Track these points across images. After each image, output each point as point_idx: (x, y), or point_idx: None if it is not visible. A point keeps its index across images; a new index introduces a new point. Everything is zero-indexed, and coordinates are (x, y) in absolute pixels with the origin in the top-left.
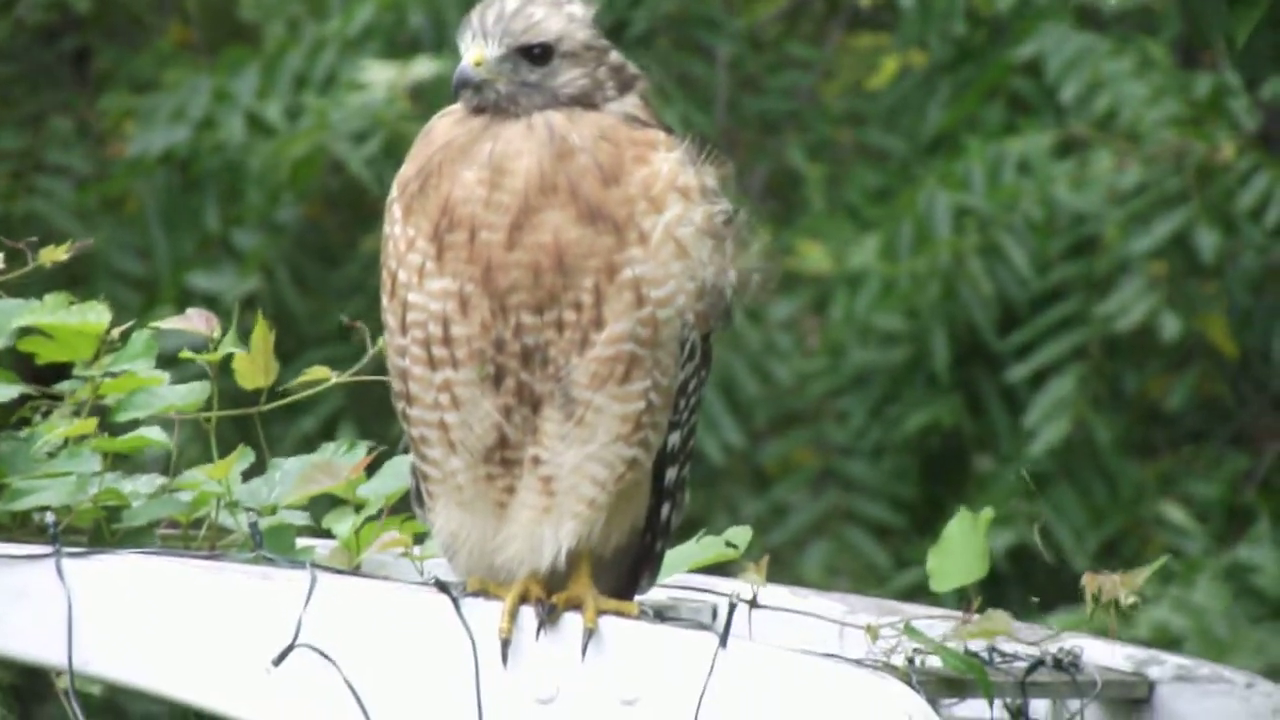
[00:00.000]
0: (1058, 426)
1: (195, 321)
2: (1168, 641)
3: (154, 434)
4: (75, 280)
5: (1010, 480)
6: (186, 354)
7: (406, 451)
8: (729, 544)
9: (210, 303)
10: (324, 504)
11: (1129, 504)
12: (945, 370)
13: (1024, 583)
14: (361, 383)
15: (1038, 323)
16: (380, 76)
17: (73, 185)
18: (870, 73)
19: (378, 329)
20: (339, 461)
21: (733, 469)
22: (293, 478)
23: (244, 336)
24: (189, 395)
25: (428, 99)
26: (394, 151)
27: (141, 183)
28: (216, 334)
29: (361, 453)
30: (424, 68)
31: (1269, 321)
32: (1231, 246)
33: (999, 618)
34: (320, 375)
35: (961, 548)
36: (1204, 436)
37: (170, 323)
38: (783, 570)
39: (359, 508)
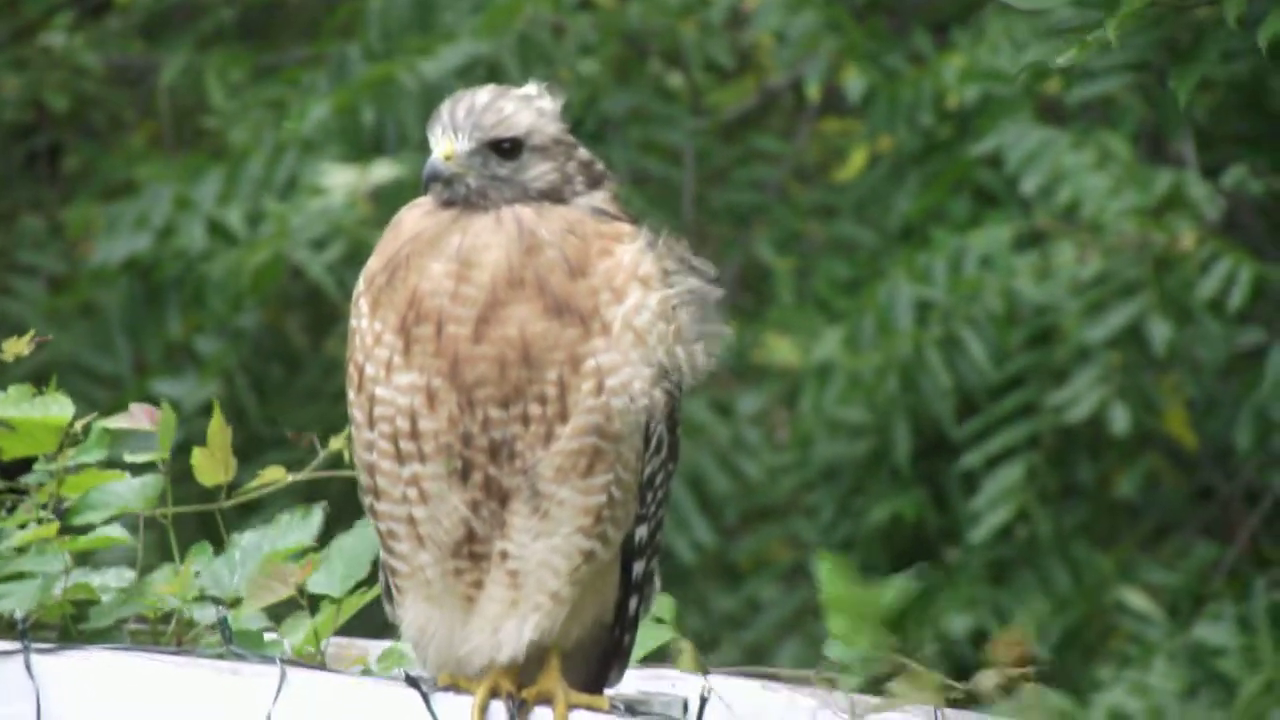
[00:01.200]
0: (1000, 514)
1: (139, 418)
2: None
3: (115, 532)
4: (44, 379)
5: (971, 569)
6: (131, 457)
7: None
8: (657, 619)
9: (173, 408)
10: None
11: (1091, 591)
12: (907, 462)
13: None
14: (318, 481)
15: (993, 411)
16: (339, 180)
17: (44, 285)
18: (838, 162)
19: (335, 432)
20: (286, 567)
21: (704, 565)
22: (252, 555)
23: (203, 441)
24: (144, 490)
25: (388, 201)
26: (354, 257)
27: (105, 290)
28: (161, 425)
29: (317, 519)
30: (383, 171)
31: (1231, 412)
32: (1189, 336)
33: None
34: (276, 475)
35: (844, 598)
36: (1170, 526)
37: (115, 420)
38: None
39: (313, 609)
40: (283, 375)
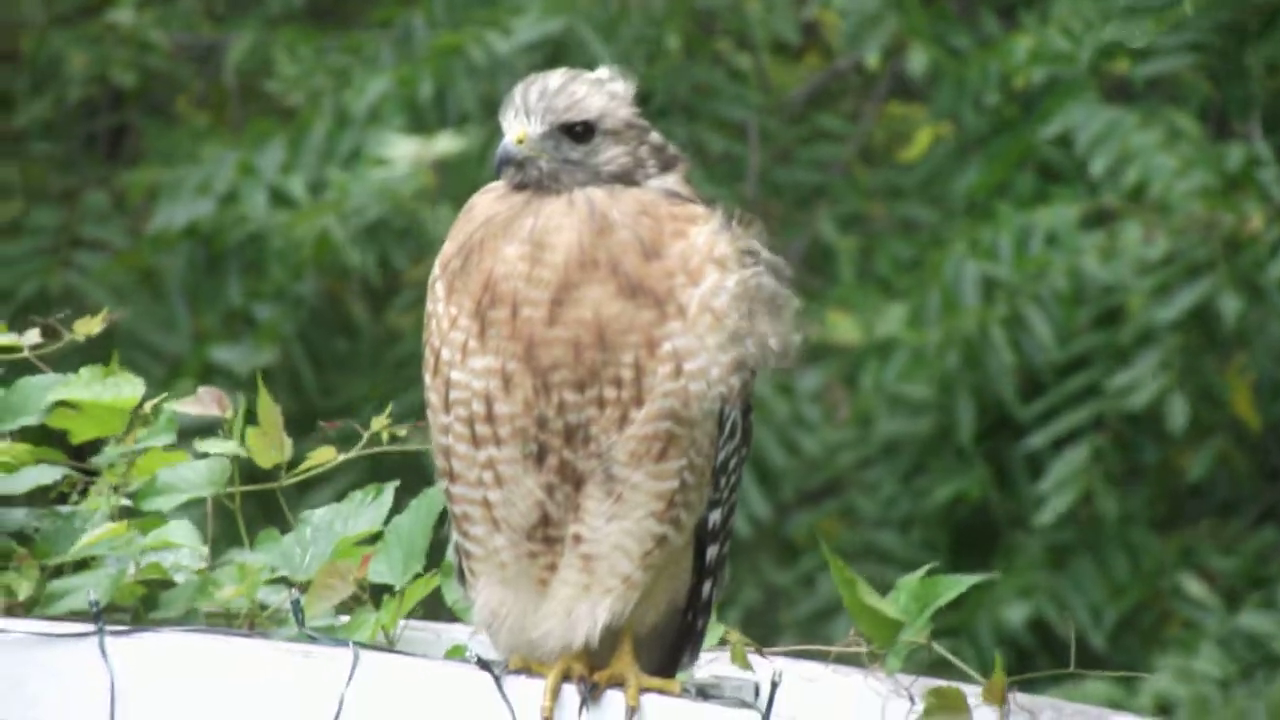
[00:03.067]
0: (1065, 497)
1: (207, 402)
2: (1164, 710)
3: (181, 533)
4: (100, 356)
5: (1030, 552)
6: (203, 446)
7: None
8: None
9: (229, 376)
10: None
11: (1149, 577)
12: (970, 441)
13: (1046, 654)
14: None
15: (1058, 392)
16: (402, 151)
17: (108, 260)
18: (903, 143)
19: (406, 404)
20: (345, 564)
21: (761, 541)
22: (323, 533)
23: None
24: (209, 474)
25: (452, 174)
26: (406, 232)
27: (165, 256)
28: (229, 413)
29: (388, 498)
30: (446, 143)
31: None
32: (1258, 317)
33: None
34: (326, 456)
35: (859, 606)
36: (1231, 510)
37: (183, 404)
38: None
39: (376, 600)
40: (341, 345)
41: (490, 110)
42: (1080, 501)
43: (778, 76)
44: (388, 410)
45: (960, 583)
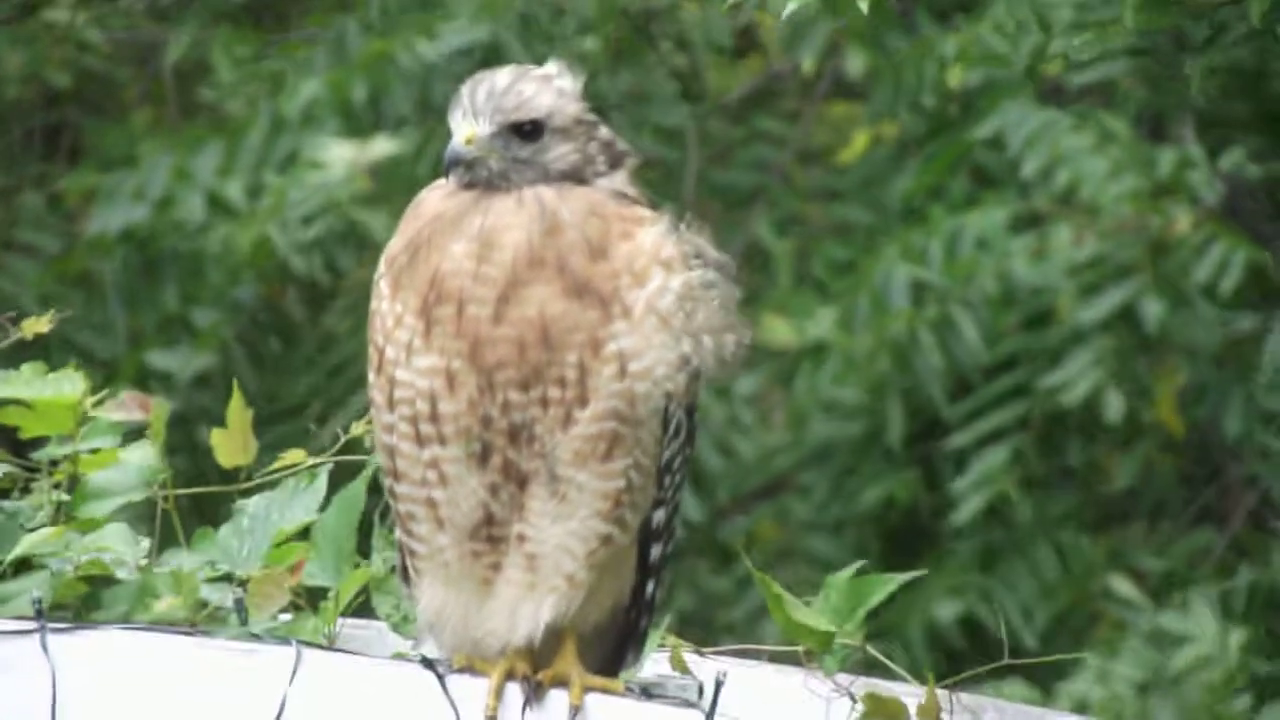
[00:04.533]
0: (981, 497)
1: (130, 407)
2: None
3: (118, 538)
4: (33, 357)
5: (961, 554)
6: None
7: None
8: None
9: (167, 380)
10: None
11: (1079, 578)
12: (900, 443)
13: (978, 654)
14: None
15: (984, 393)
16: (338, 155)
17: (42, 264)
18: (842, 144)
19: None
20: (278, 572)
21: (695, 545)
22: (260, 523)
23: (200, 415)
24: (141, 476)
25: (387, 177)
26: (347, 236)
27: (101, 262)
28: (153, 416)
29: (322, 485)
30: (382, 146)
31: (1221, 398)
32: (1182, 320)
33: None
34: (296, 458)
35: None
36: (1161, 512)
37: (106, 409)
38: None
39: (314, 603)
40: (280, 349)
41: (425, 114)
42: (1009, 502)
43: (717, 79)
44: (367, 418)
45: (889, 580)
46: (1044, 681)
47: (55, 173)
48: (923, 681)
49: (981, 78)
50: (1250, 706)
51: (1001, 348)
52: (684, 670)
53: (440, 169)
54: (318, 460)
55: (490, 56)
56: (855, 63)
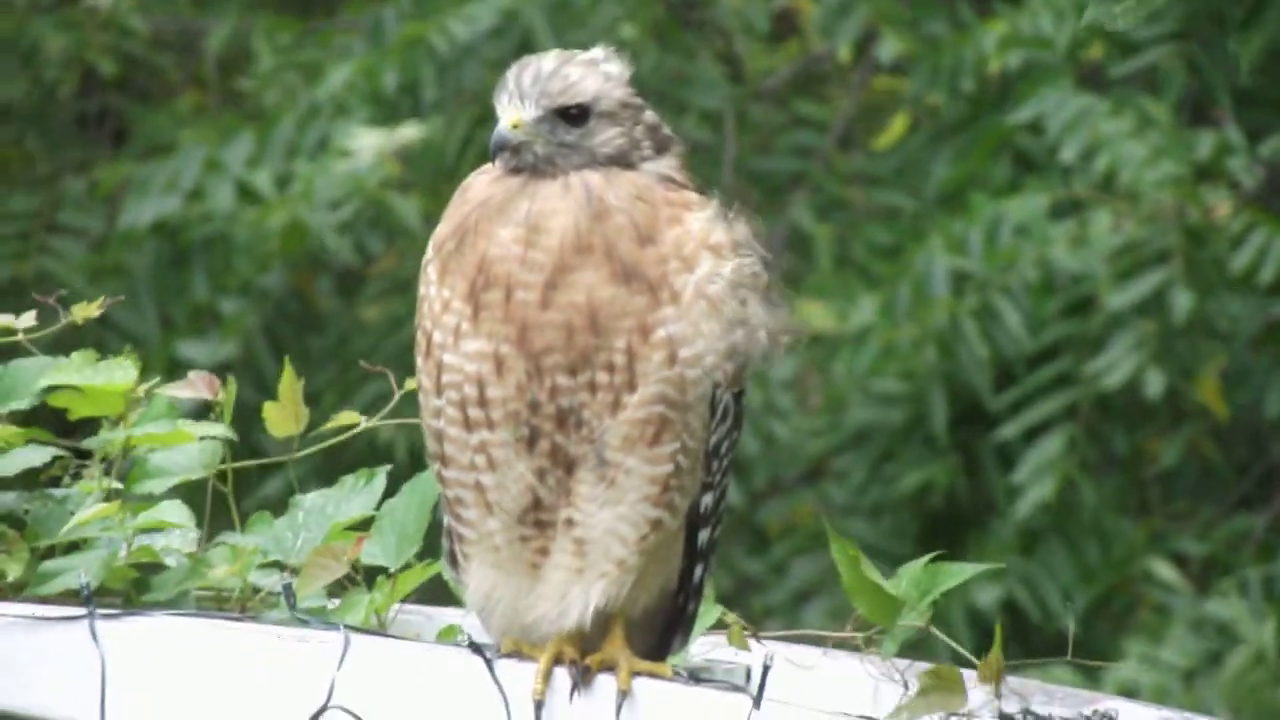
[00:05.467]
0: (1044, 486)
1: (198, 386)
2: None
3: (176, 512)
4: (71, 345)
5: (1002, 538)
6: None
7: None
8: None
9: (194, 369)
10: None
11: (1119, 562)
12: (943, 433)
13: (1016, 639)
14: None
15: (1030, 381)
16: (366, 143)
17: (86, 246)
18: (880, 128)
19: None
20: (338, 545)
21: (731, 528)
22: (315, 517)
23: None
24: (201, 456)
25: (417, 164)
26: (377, 221)
27: (133, 252)
28: (220, 396)
29: (380, 484)
30: (410, 132)
31: (1264, 381)
32: (1216, 307)
33: (948, 673)
34: (351, 419)
35: (861, 583)
36: (1203, 496)
37: (173, 388)
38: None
39: (369, 581)
40: (304, 338)
41: (457, 98)
42: (1071, 489)
43: (757, 63)
44: (407, 383)
45: (963, 570)
46: (1088, 666)
47: (99, 157)
48: (980, 661)
49: (1021, 62)
50: None
51: (1044, 335)
52: (742, 647)
53: (476, 153)
54: (371, 422)
55: (525, 40)
56: (890, 47)
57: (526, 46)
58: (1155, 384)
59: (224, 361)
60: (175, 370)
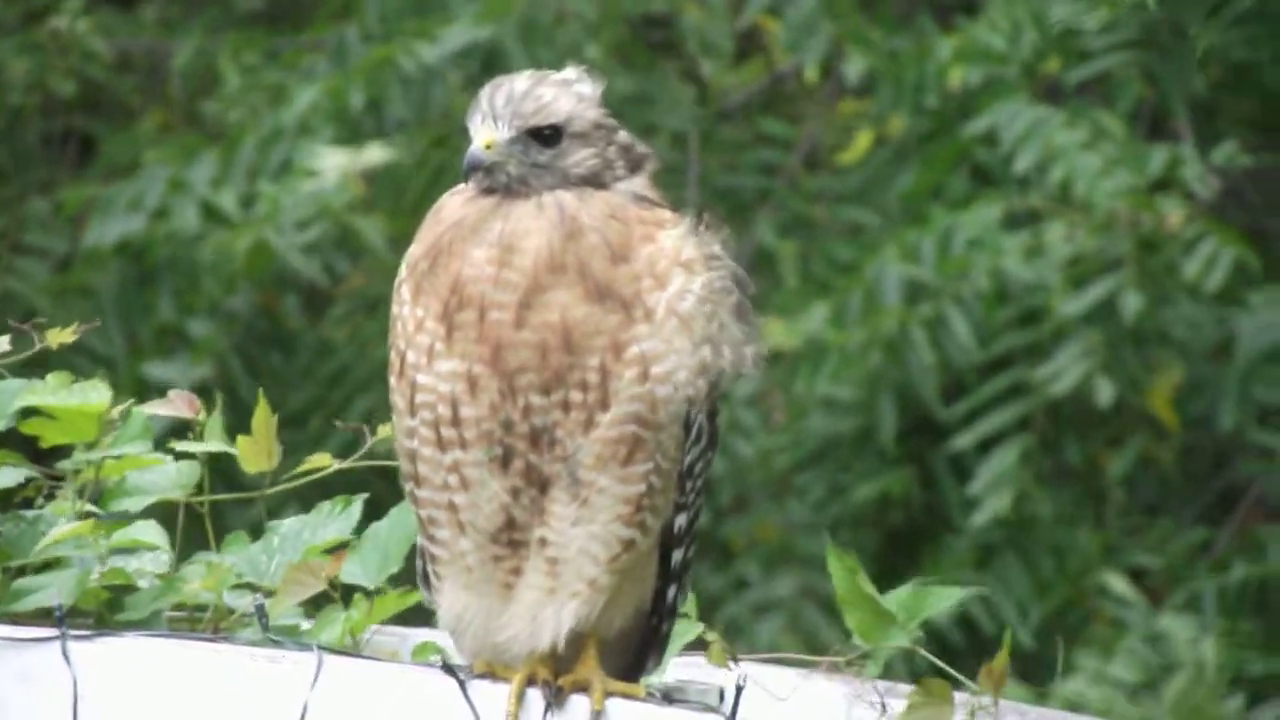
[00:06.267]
0: (1000, 498)
1: (178, 405)
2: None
3: (150, 532)
4: (37, 365)
5: (957, 551)
6: (175, 445)
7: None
8: (682, 614)
9: (164, 392)
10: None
11: (1074, 575)
12: (891, 441)
13: (973, 655)
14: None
15: (982, 392)
16: (331, 163)
17: (50, 267)
18: (846, 146)
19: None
20: (317, 562)
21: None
22: (291, 542)
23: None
24: (179, 477)
25: (382, 184)
26: (341, 241)
27: (98, 273)
28: (201, 416)
29: (356, 510)
30: (375, 153)
31: (1215, 392)
32: (1168, 317)
33: (937, 687)
34: (322, 462)
35: (856, 595)
36: (1162, 509)
37: (153, 406)
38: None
39: (346, 600)
40: (277, 358)
41: (423, 119)
42: (1027, 501)
43: (722, 80)
44: (381, 431)
45: (949, 594)
46: (1038, 680)
47: (63, 178)
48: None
49: (982, 77)
50: (1244, 705)
51: (995, 345)
52: (722, 665)
53: (439, 174)
54: (342, 464)
55: (491, 60)
56: (855, 65)
57: (492, 67)
58: (1105, 392)
59: (200, 383)
60: (144, 391)
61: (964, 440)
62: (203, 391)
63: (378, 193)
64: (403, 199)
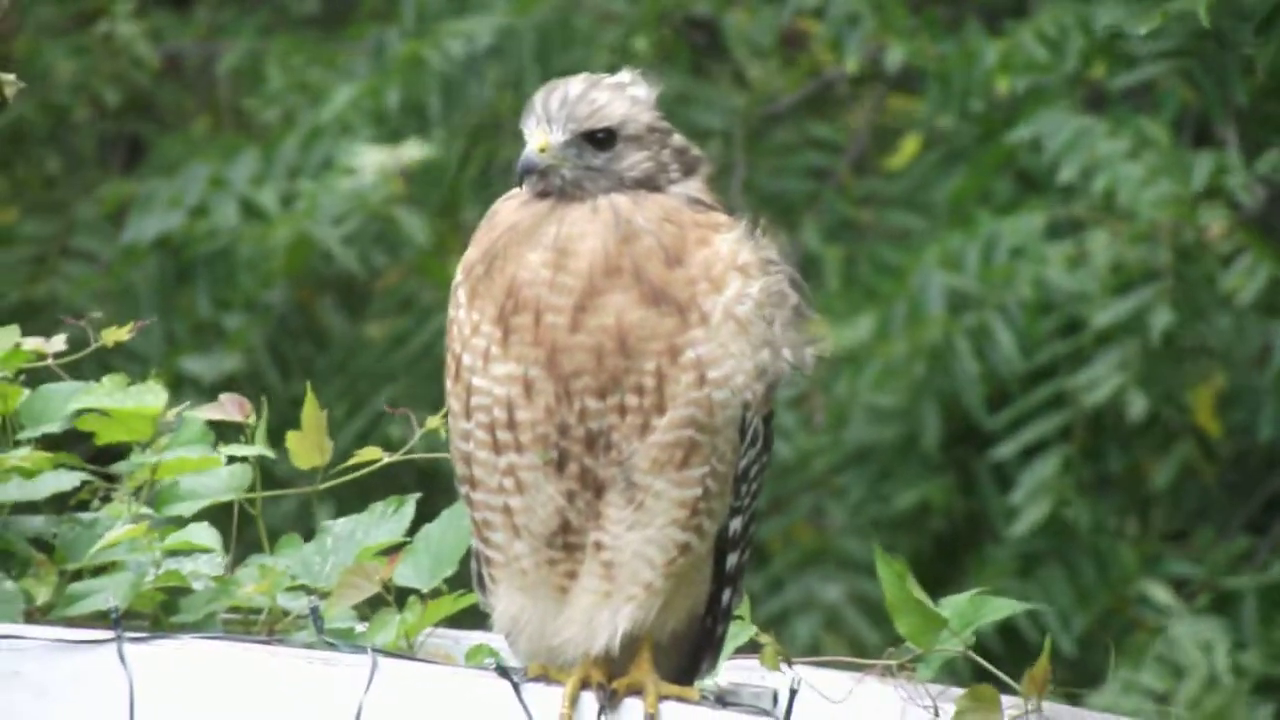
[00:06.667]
0: (1040, 507)
1: (229, 408)
2: None
3: (204, 534)
4: (78, 365)
5: (1000, 560)
6: (228, 450)
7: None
8: (736, 616)
9: (197, 386)
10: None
11: (1116, 584)
12: (935, 449)
13: (1014, 662)
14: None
15: (1025, 401)
16: (370, 160)
17: (98, 270)
18: (892, 150)
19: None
20: (371, 565)
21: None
22: (344, 543)
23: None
24: (231, 480)
25: (420, 181)
26: (381, 237)
27: (136, 269)
28: (250, 419)
29: (409, 511)
30: (412, 150)
31: (1256, 405)
32: (1209, 326)
33: (986, 692)
34: (373, 455)
35: (905, 600)
36: (1204, 518)
37: (204, 410)
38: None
39: (400, 602)
40: (308, 354)
41: (464, 117)
42: (1067, 510)
43: (768, 84)
44: (443, 414)
45: (1005, 605)
46: (1078, 689)
47: (113, 182)
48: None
49: (1030, 83)
50: (1273, 714)
51: (1038, 355)
52: (775, 668)
53: (491, 172)
54: (393, 457)
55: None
56: (895, 56)
57: (529, 65)
58: (1137, 405)
59: (228, 375)
60: (179, 386)
61: (1006, 449)
62: (230, 385)
63: (415, 190)
64: (440, 195)
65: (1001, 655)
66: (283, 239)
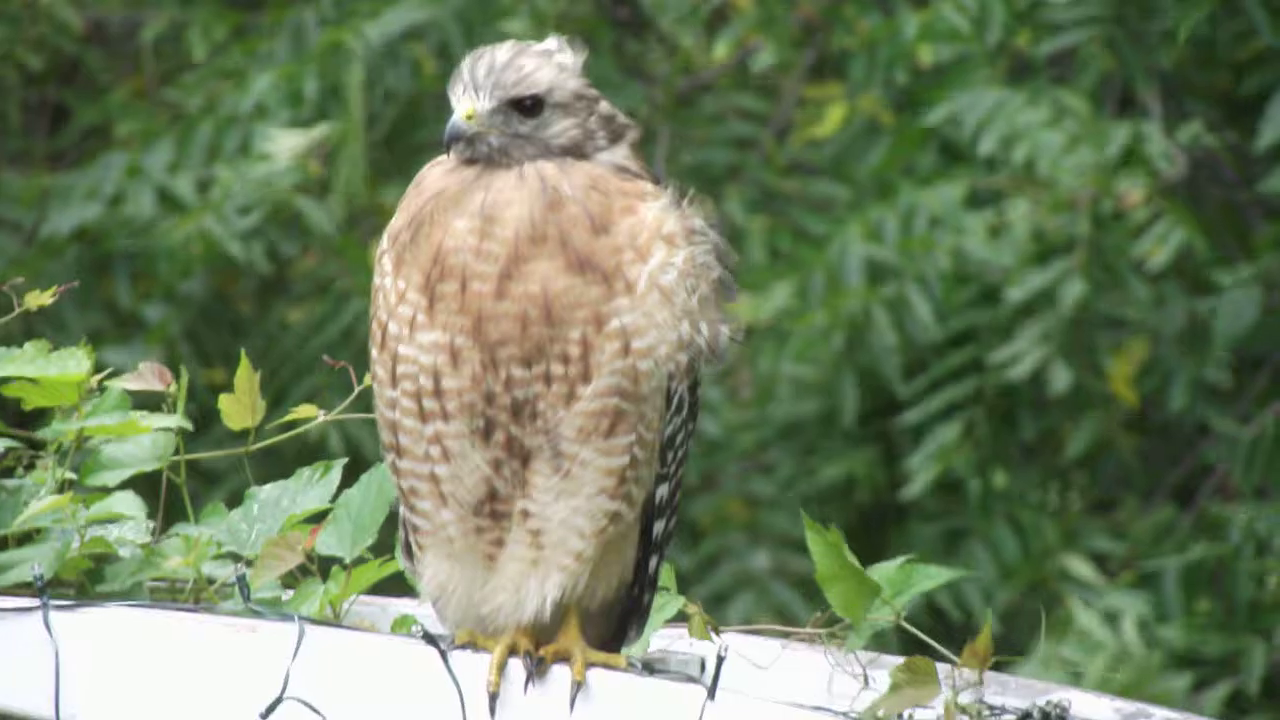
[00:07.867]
0: (928, 471)
1: (149, 377)
2: None
3: (128, 503)
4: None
5: (924, 535)
6: (150, 421)
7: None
8: (662, 587)
9: (117, 376)
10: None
11: (1038, 558)
12: (853, 421)
13: (936, 637)
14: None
15: (937, 369)
16: (284, 145)
17: (21, 240)
18: (816, 121)
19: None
20: (293, 535)
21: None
22: (270, 509)
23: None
24: (154, 448)
25: (334, 162)
26: (291, 224)
27: (55, 261)
28: (171, 388)
29: (335, 476)
30: (323, 129)
31: (1171, 374)
32: (1124, 295)
33: (922, 664)
34: (308, 413)
35: (837, 570)
36: (1125, 490)
37: (126, 380)
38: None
39: (324, 571)
40: (228, 342)
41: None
42: (975, 481)
43: (696, 59)
44: (366, 379)
45: (938, 573)
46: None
47: (37, 149)
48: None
49: (952, 54)
50: (1189, 685)
51: (953, 325)
52: (704, 638)
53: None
54: (328, 417)
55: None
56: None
57: (448, 46)
58: (1061, 380)
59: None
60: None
61: (914, 415)
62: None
63: (332, 171)
64: (357, 175)
65: (924, 629)
66: (191, 229)
